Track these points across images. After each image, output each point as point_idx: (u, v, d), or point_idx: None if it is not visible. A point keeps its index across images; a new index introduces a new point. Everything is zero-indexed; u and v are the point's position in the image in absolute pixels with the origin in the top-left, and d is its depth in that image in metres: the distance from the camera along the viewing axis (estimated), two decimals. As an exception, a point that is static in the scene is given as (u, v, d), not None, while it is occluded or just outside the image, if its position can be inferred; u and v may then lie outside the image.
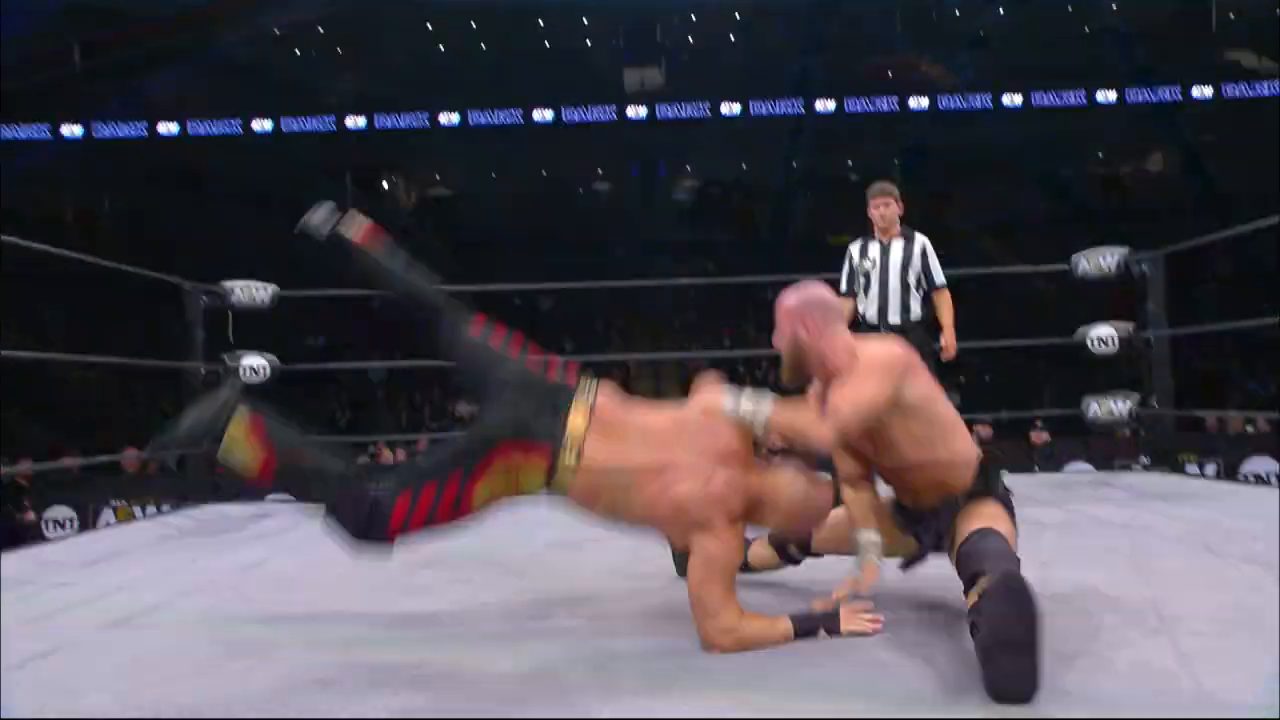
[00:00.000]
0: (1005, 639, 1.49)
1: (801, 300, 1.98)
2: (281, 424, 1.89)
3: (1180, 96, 20.66)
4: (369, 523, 1.82)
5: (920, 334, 3.82)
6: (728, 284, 17.17)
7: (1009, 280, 17.09)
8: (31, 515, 6.50)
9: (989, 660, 1.51)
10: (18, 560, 2.98)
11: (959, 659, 1.67)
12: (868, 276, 3.88)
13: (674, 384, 15.05)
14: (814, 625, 1.85)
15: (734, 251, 18.80)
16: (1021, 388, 13.55)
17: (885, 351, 1.93)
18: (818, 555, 2.26)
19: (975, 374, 14.39)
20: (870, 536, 2.03)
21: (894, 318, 3.85)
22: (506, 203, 23.29)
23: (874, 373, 1.87)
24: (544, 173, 24.42)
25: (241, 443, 1.83)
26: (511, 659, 1.77)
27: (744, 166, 24.41)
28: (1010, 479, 2.08)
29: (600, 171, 24.64)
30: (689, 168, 24.73)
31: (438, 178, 24.85)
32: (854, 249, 3.97)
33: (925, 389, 1.94)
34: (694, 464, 1.84)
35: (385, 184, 24.15)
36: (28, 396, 13.82)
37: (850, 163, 24.80)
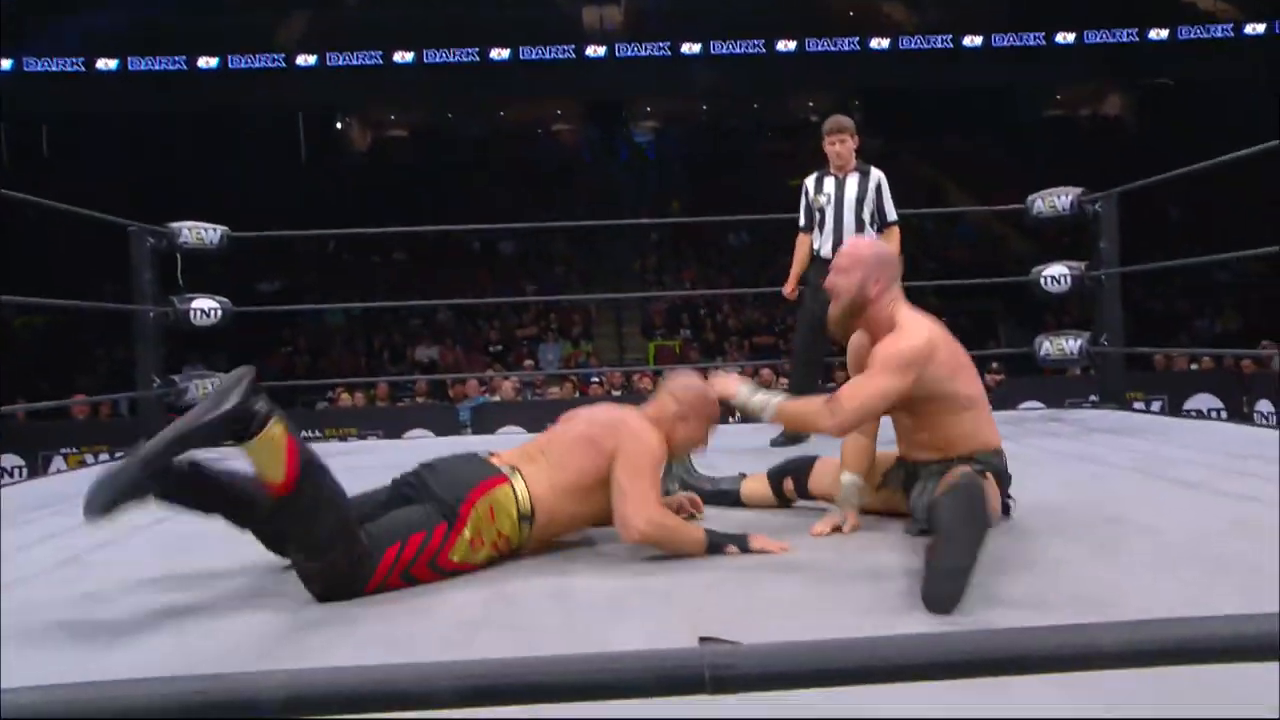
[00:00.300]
0: (950, 534, 1.59)
1: (876, 255, 2.13)
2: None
3: (1137, 38, 20.75)
4: (351, 575, 1.72)
5: None
6: (688, 224, 17.09)
7: (966, 221, 17.28)
8: (-21, 463, 6.38)
9: (930, 558, 1.58)
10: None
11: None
12: (822, 212, 3.84)
13: (634, 327, 15.05)
14: (726, 540, 1.94)
15: (695, 193, 18.68)
16: (978, 328, 13.74)
17: (910, 345, 2.01)
18: (812, 499, 2.30)
19: (936, 314, 14.56)
20: (852, 479, 2.08)
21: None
22: (464, 144, 22.88)
23: (891, 368, 1.98)
24: (501, 113, 24.00)
25: (276, 448, 1.66)
26: (472, 591, 1.77)
27: (704, 107, 24.19)
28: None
29: (559, 112, 24.27)
30: (649, 109, 24.45)
31: (393, 118, 24.31)
32: (809, 183, 3.93)
33: (946, 372, 2.04)
34: (594, 419, 2.02)
35: (339, 125, 23.58)
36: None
37: (811, 104, 24.69)
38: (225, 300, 4.59)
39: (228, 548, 1.98)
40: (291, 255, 16.38)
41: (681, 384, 2.12)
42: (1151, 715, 1.08)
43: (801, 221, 3.94)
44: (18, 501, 3.05)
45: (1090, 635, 0.68)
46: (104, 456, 5.88)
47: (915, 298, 3.71)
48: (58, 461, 6.18)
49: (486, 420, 6.56)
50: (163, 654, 1.52)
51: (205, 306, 4.48)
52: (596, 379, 8.72)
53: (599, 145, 22.91)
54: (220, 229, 4.58)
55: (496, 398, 7.98)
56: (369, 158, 22.82)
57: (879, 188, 3.81)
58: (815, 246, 3.89)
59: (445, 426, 6.52)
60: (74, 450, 6.19)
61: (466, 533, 1.84)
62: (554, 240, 17.11)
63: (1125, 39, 20.61)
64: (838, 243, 3.76)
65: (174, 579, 1.96)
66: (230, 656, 1.48)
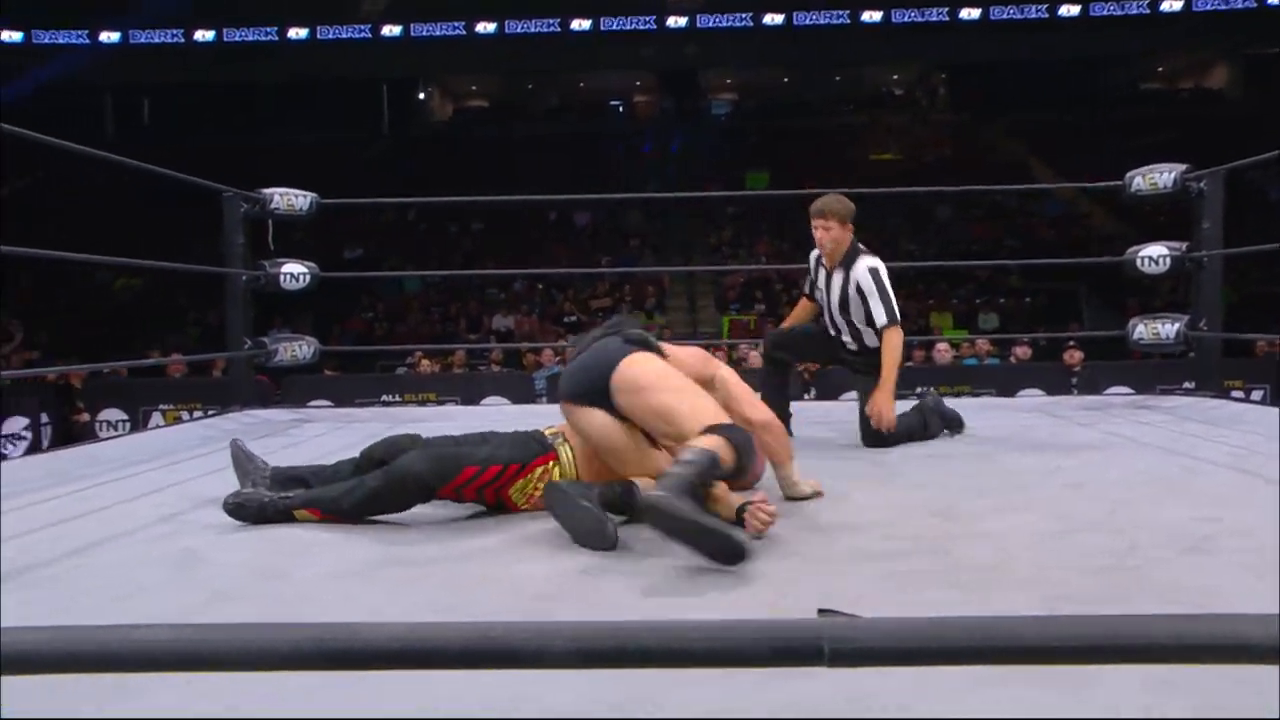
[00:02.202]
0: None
1: None
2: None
3: (1255, 3, 19.22)
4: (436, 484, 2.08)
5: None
6: (764, 197, 16.90)
7: (1052, 198, 16.69)
8: (86, 416, 6.68)
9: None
10: (71, 458, 3.06)
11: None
12: (823, 296, 3.37)
13: (708, 300, 14.98)
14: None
15: (771, 166, 18.44)
16: (1060, 308, 13.32)
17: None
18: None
19: (1017, 294, 14.15)
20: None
21: (851, 345, 3.34)
22: (542, 114, 22.96)
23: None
24: (580, 84, 23.99)
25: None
26: (541, 564, 1.78)
27: (785, 80, 23.79)
28: (1047, 400, 2.05)
29: (637, 83, 24.14)
30: (728, 80, 24.16)
31: (473, 89, 24.51)
32: (813, 258, 3.41)
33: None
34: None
35: (421, 95, 23.87)
36: (74, 304, 14.10)
37: (895, 76, 24.09)
38: (313, 265, 4.68)
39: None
40: (372, 223, 16.71)
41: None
42: None
43: (806, 288, 3.50)
44: (121, 455, 3.17)
45: (1233, 624, 0.64)
46: (198, 413, 6.10)
47: (996, 277, 3.63)
48: (156, 417, 6.43)
49: (561, 389, 6.60)
50: (271, 612, 1.56)
51: (295, 271, 4.58)
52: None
53: (675, 117, 22.76)
54: (311, 195, 4.66)
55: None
56: (449, 128, 23.07)
57: (859, 290, 3.19)
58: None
59: (520, 394, 6.60)
60: (171, 406, 6.44)
61: (521, 482, 2.15)
62: (628, 213, 17.10)
63: (1240, 5, 19.16)
64: (837, 334, 3.36)
65: (269, 538, 2.02)
66: (315, 610, 1.52)
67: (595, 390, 2.13)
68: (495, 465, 2.12)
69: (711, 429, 1.95)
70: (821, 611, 0.63)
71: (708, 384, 2.26)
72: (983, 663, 0.65)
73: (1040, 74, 20.10)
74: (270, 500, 2.12)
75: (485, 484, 2.12)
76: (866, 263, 3.22)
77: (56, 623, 0.67)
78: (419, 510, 2.15)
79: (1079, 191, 15.23)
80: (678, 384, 2.11)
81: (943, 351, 7.50)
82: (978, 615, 0.69)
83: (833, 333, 3.35)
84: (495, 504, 2.18)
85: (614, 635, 0.60)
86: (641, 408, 2.09)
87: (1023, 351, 7.74)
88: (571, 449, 2.21)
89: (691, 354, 2.36)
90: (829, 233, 3.24)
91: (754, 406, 2.33)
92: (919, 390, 4.16)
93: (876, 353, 3.23)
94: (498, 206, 16.42)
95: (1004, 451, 3.07)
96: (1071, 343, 7.36)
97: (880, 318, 3.17)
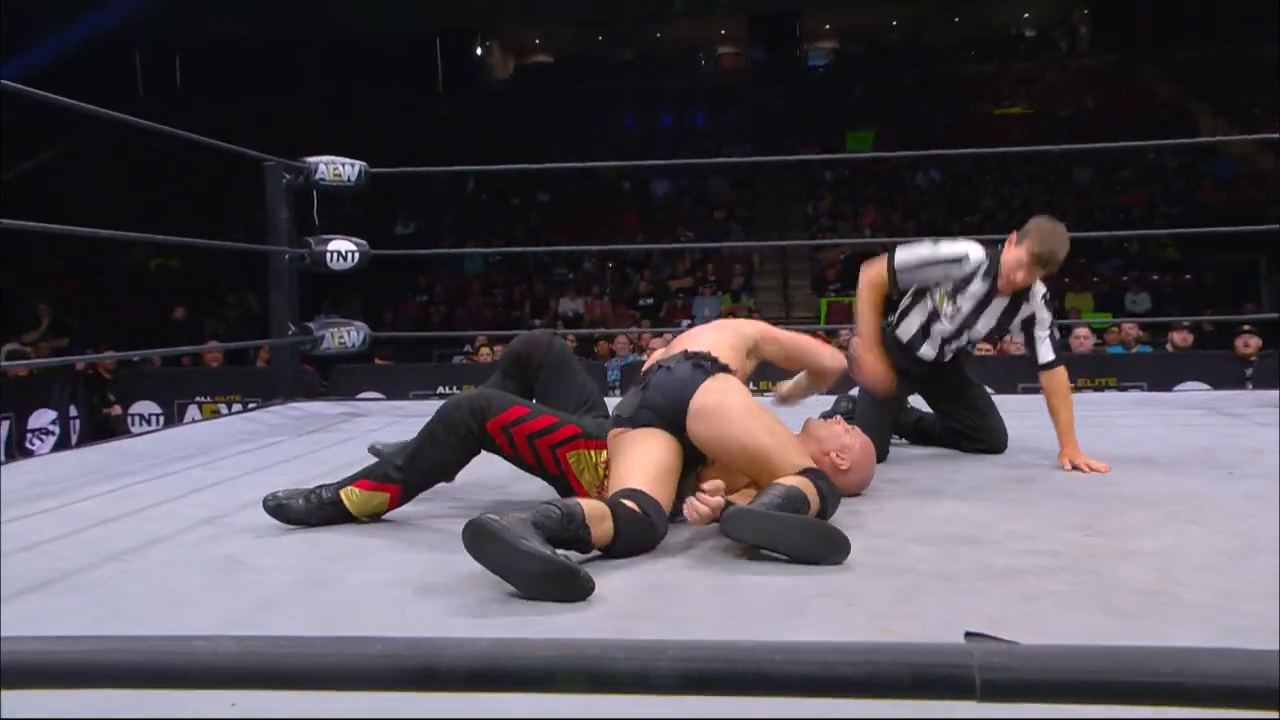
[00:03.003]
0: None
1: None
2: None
3: None
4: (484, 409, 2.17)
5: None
6: (869, 160, 16.65)
7: (1222, 154, 16.03)
8: (117, 409, 6.97)
9: None
10: (106, 453, 3.19)
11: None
12: (942, 303, 3.08)
13: (803, 280, 14.85)
14: None
15: (878, 124, 18.14)
16: (1231, 286, 12.80)
17: None
18: None
19: (1175, 269, 13.66)
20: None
21: (929, 356, 3.16)
22: (615, 70, 23.00)
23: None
24: (658, 34, 23.96)
25: (368, 502, 2.20)
26: (614, 574, 1.80)
27: (894, 23, 23.37)
28: (1214, 395, 1.97)
29: (723, 32, 24.01)
30: (827, 25, 23.85)
31: (537, 42, 24.71)
32: (973, 259, 3.00)
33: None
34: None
35: (478, 50, 24.17)
36: (105, 286, 14.68)
37: (1026, 15, 23.44)
38: (363, 242, 4.78)
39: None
40: (427, 195, 16.99)
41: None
42: None
43: (908, 273, 3.03)
44: (158, 451, 3.30)
45: None
46: (237, 407, 6.30)
47: (1148, 250, 3.46)
48: (192, 410, 6.68)
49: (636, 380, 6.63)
50: (321, 624, 1.60)
51: (342, 249, 4.68)
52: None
53: (767, 69, 22.57)
54: (359, 164, 4.76)
55: (646, 356, 8.04)
56: (511, 86, 23.31)
57: (1034, 320, 3.00)
58: (910, 337, 3.16)
59: (592, 387, 6.64)
60: (208, 399, 6.68)
61: (587, 452, 2.22)
62: (713, 180, 17.03)
63: None
64: (941, 354, 3.16)
65: (315, 541, 2.08)
66: (369, 622, 1.56)
67: (664, 417, 2.14)
68: (549, 417, 2.21)
69: (803, 473, 2.07)
70: (969, 635, 0.61)
71: (753, 350, 2.44)
72: (1166, 703, 0.63)
73: (1206, 1, 19.25)
74: (313, 491, 2.19)
75: (537, 433, 2.18)
76: (1040, 289, 3.03)
77: (101, 631, 0.69)
78: (479, 504, 2.19)
79: (1257, 145, 14.56)
80: (764, 418, 2.16)
81: (1082, 338, 7.29)
82: (1154, 645, 0.67)
83: (921, 341, 3.14)
84: (556, 471, 2.23)
85: (724, 657, 0.59)
86: (722, 439, 2.12)
87: (1182, 338, 7.47)
88: None
89: (730, 330, 2.46)
90: (1033, 278, 2.94)
91: (818, 352, 2.60)
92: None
93: (949, 367, 3.19)
94: (566, 174, 16.53)
95: (1159, 455, 2.98)
96: (1246, 327, 7.06)
97: (1047, 354, 2.99)
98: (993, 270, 2.98)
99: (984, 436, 3.17)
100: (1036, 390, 3.09)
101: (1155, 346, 8.11)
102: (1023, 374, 5.33)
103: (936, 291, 3.07)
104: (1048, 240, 2.87)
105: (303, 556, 1.96)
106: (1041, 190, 15.48)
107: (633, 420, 2.15)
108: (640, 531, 1.91)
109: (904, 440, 3.34)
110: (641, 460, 2.07)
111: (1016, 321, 3.04)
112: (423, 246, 13.49)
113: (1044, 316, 3.01)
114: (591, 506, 1.84)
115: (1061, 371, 2.99)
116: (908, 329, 3.16)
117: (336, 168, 4.70)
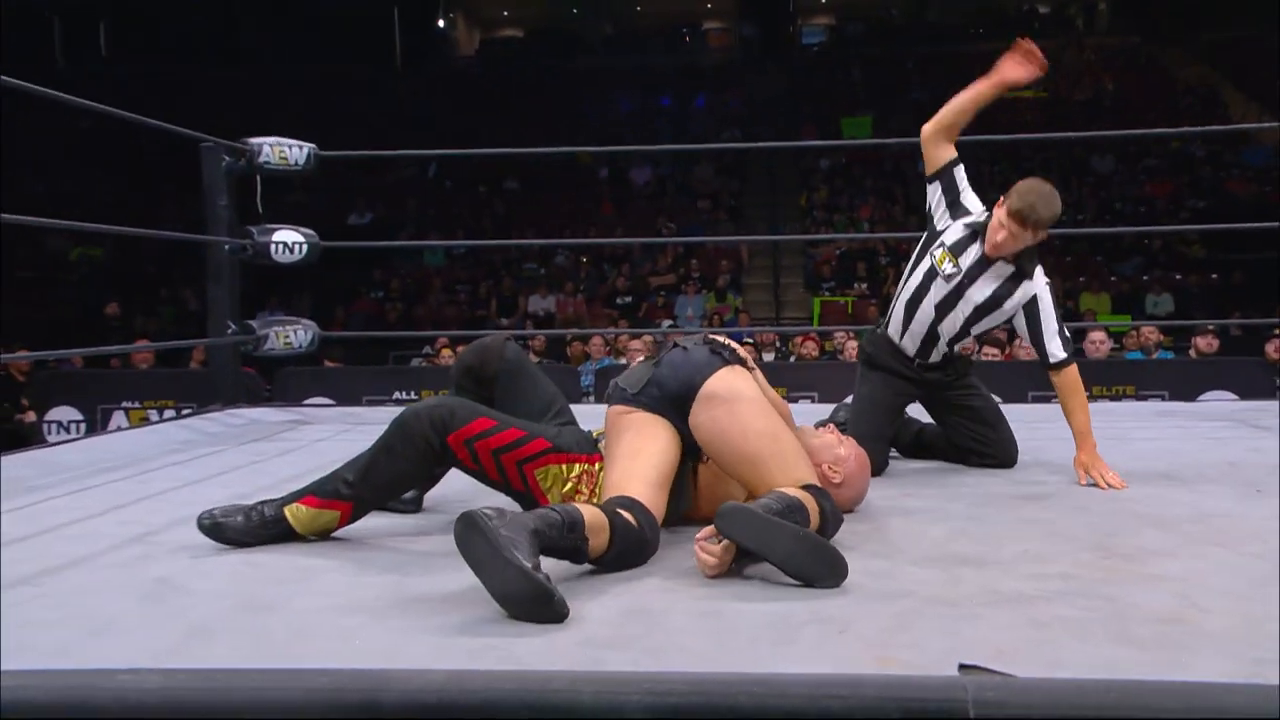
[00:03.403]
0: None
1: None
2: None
3: None
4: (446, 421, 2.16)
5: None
6: (867, 147, 16.71)
7: (1255, 141, 16.18)
8: (32, 416, 6.89)
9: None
10: (20, 464, 3.15)
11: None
12: (931, 276, 3.16)
13: (796, 277, 14.90)
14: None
15: (877, 108, 18.23)
16: (1262, 288, 12.91)
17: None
18: None
19: (1199, 268, 13.76)
20: None
21: (910, 352, 3.22)
22: (592, 46, 23.00)
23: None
24: (638, 8, 24.01)
25: (316, 520, 2.19)
26: (588, 599, 1.80)
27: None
28: (1242, 406, 2.00)
29: (709, 6, 24.08)
30: (824, 1, 23.96)
31: (505, 14, 24.70)
32: (961, 225, 3.15)
33: None
34: None
35: (440, 23, 24.13)
36: (19, 278, 14.53)
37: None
38: (312, 233, 4.77)
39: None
40: (384, 181, 16.93)
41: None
42: None
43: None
44: (78, 462, 3.27)
45: None
46: (169, 413, 6.25)
47: (1173, 246, 3.49)
48: (118, 417, 6.60)
49: (614, 387, 6.63)
50: (260, 653, 1.59)
51: (289, 240, 4.67)
52: (748, 339, 8.68)
53: (758, 47, 22.64)
54: (308, 147, 4.75)
55: (624, 360, 8.06)
56: (477, 62, 23.27)
57: (1035, 305, 3.06)
58: (888, 323, 3.27)
59: (564, 391, 6.62)
60: (136, 404, 6.61)
61: (554, 468, 2.25)
62: (698, 168, 17.06)
63: None
64: (927, 339, 3.19)
65: (256, 562, 2.06)
66: (314, 651, 1.55)
67: (670, 398, 2.18)
68: (517, 431, 2.21)
69: (805, 488, 2.08)
70: (963, 667, 0.62)
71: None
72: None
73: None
74: (254, 508, 2.18)
75: (503, 448, 2.19)
76: (1043, 277, 3.09)
77: (10, 666, 0.68)
78: (435, 521, 2.18)
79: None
80: (773, 421, 2.18)
81: (1098, 343, 7.34)
82: (1166, 679, 0.67)
83: (914, 310, 3.18)
84: (522, 488, 2.24)
85: (700, 690, 0.60)
86: (725, 432, 2.14)
87: (1207, 343, 7.54)
88: None
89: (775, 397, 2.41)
90: (1018, 241, 2.99)
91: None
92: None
93: (951, 369, 3.23)
94: (537, 160, 16.51)
95: (1181, 471, 3.00)
96: (1278, 331, 7.14)
97: (1058, 351, 3.03)
98: (983, 232, 3.07)
99: (993, 449, 3.18)
100: (1049, 399, 3.12)
101: (1178, 352, 8.16)
102: (1034, 381, 5.38)
103: (937, 250, 3.14)
104: (1026, 196, 2.93)
105: (242, 579, 1.95)
106: (1057, 181, 15.54)
107: (637, 398, 2.21)
108: (633, 546, 1.96)
109: (900, 455, 3.36)
110: (642, 464, 2.12)
111: (1015, 303, 3.06)
112: (379, 237, 13.43)
113: (1046, 300, 3.05)
114: (592, 516, 1.89)
115: (1074, 369, 3.03)
116: (896, 318, 3.22)
117: (283, 150, 4.69)
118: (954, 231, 3.14)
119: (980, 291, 3.09)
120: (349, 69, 20.44)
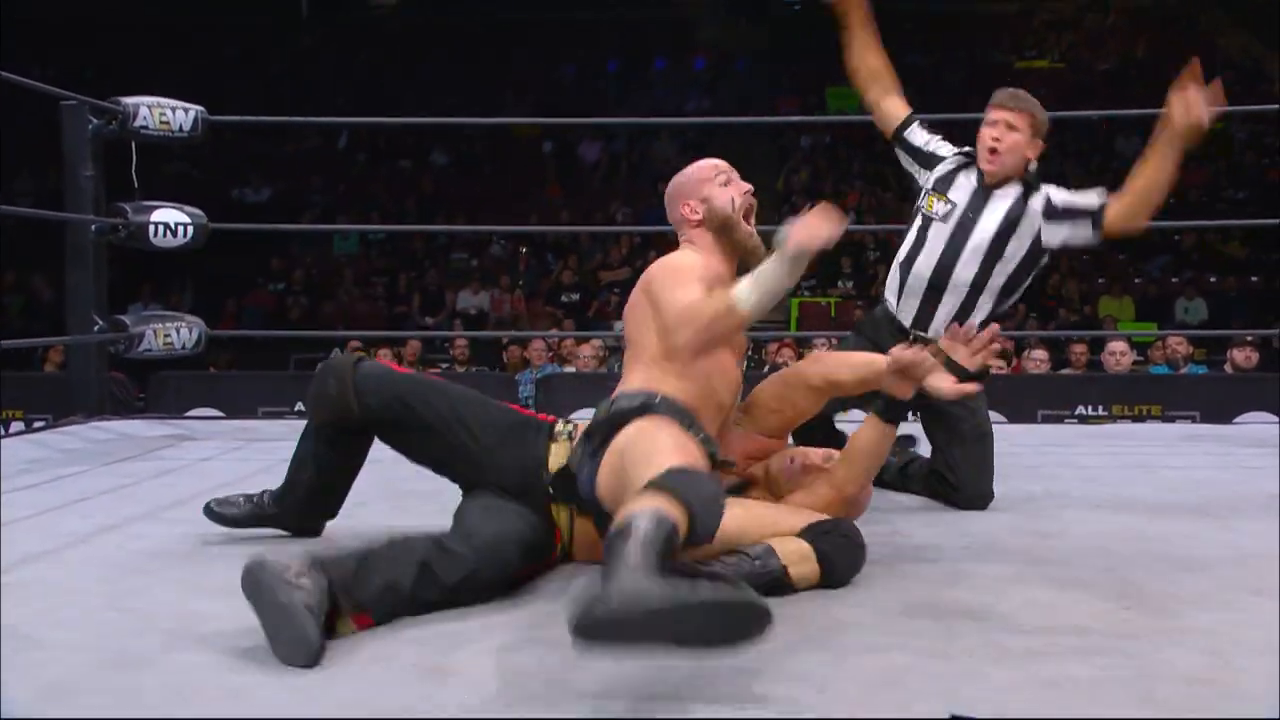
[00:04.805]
0: None
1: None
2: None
3: None
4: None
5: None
6: (852, 124, 16.80)
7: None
8: None
9: None
10: None
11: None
12: (927, 225, 3.25)
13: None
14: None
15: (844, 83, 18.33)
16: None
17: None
18: None
19: (1240, 268, 13.94)
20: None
21: (936, 322, 3.20)
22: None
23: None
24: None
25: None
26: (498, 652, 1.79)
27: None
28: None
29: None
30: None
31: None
32: (949, 163, 3.31)
33: None
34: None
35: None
36: None
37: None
38: (199, 212, 4.71)
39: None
40: (285, 153, 16.79)
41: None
42: None
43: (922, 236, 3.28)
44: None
45: None
46: (17, 426, 6.13)
47: (1207, 243, 3.50)
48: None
49: (556, 397, 6.63)
50: (126, 715, 1.56)
51: (170, 220, 4.61)
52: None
53: (729, 3, 22.71)
54: (194, 109, 4.70)
55: (570, 367, 8.04)
56: (398, 14, 23.15)
57: (1052, 207, 3.15)
58: (888, 295, 3.34)
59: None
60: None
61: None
62: (658, 143, 17.08)
63: None
64: (925, 308, 3.21)
65: (126, 605, 2.03)
66: (191, 712, 1.52)
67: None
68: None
69: (654, 484, 1.78)
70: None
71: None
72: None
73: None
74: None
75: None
76: (1052, 187, 3.21)
77: None
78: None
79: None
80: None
81: (1119, 355, 7.42)
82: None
83: (910, 309, 3.22)
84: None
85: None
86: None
87: (1245, 357, 7.64)
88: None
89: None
90: (1013, 134, 3.13)
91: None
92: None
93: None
94: (469, 131, 16.45)
95: (1213, 504, 3.03)
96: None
97: (1095, 200, 3.14)
98: (972, 158, 3.22)
99: (955, 473, 3.06)
100: (1059, 419, 3.15)
101: (1211, 367, 8.28)
102: (1043, 398, 5.42)
103: (923, 201, 3.27)
104: (1002, 90, 3.21)
105: (110, 628, 1.91)
106: (1075, 163, 15.78)
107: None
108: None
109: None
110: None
111: (1036, 212, 3.12)
112: (279, 219, 13.32)
113: (1061, 195, 3.16)
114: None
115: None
116: (892, 279, 3.30)
117: (164, 113, 4.64)
118: (936, 173, 3.30)
119: (991, 219, 3.15)
120: (245, 18, 20.24)
